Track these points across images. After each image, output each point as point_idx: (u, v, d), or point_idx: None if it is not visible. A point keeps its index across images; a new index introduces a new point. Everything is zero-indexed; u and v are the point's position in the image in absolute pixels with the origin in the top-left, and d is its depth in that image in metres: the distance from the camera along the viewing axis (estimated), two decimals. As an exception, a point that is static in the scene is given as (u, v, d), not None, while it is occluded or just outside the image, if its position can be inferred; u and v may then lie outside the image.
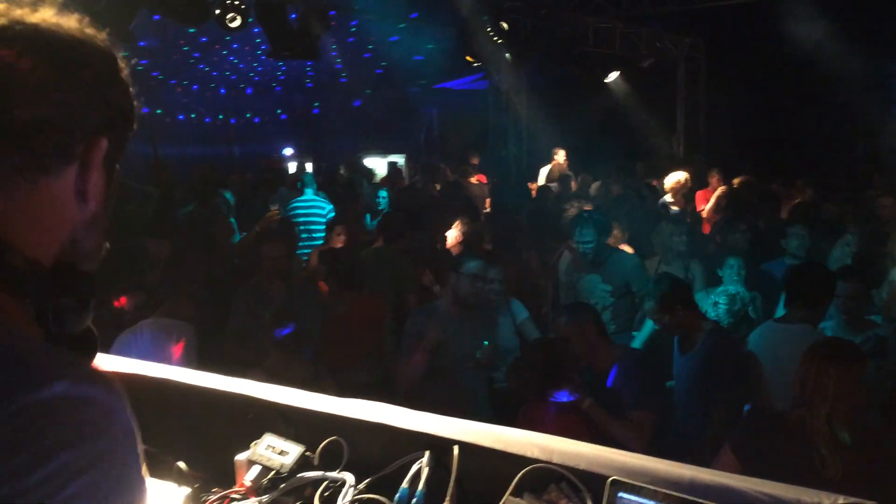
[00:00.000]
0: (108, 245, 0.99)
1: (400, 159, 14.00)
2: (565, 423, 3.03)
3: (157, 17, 8.38)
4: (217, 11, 6.33)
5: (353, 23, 11.53)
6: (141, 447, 0.86)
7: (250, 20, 6.70)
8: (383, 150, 14.57)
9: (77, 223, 0.91)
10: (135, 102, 0.97)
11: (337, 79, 15.23)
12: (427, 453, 1.69)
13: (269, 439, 1.86)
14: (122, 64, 0.96)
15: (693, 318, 3.76)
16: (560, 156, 10.88)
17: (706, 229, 7.36)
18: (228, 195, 7.74)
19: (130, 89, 0.96)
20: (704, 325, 3.78)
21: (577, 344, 3.44)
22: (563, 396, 3.18)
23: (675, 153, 12.11)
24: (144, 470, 0.86)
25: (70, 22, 0.90)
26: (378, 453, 1.76)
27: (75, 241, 0.92)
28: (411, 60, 13.66)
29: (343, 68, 14.31)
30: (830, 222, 6.36)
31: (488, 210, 8.83)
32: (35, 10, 0.88)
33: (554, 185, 10.06)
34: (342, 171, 12.62)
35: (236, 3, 6.32)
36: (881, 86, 12.92)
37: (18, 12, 0.87)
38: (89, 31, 0.92)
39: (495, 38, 8.59)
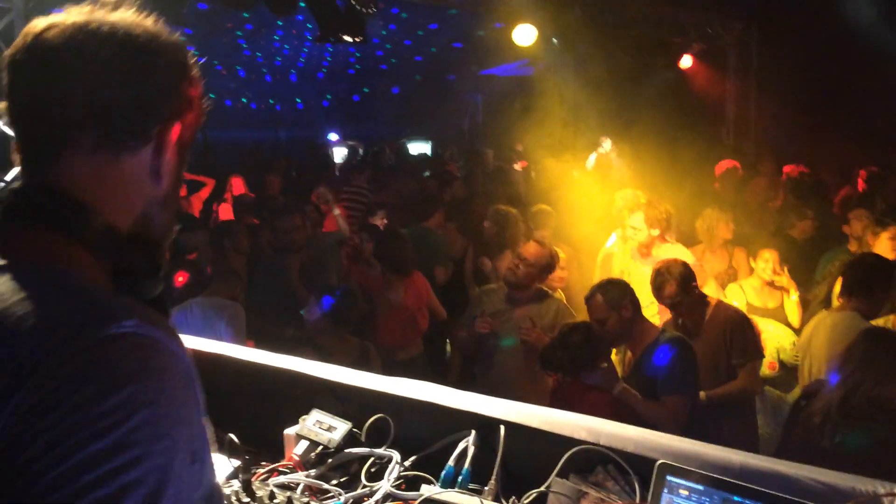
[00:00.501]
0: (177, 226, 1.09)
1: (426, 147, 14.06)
2: (597, 405, 3.02)
3: (202, 5, 8.51)
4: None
5: (394, 10, 11.54)
6: (200, 392, 0.92)
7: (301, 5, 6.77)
8: (426, 137, 14.58)
9: (151, 199, 1.01)
10: (203, 94, 1.07)
11: (385, 63, 15.26)
12: (473, 432, 1.70)
13: (317, 415, 1.89)
14: (191, 59, 1.05)
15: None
16: (607, 144, 10.75)
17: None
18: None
19: (199, 81, 1.06)
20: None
21: (613, 323, 3.37)
22: (596, 379, 3.17)
23: (725, 141, 11.85)
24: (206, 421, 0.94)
25: (146, 21, 1.00)
26: (424, 432, 1.78)
27: (148, 215, 1.01)
28: (458, 46, 13.64)
29: (387, 55, 14.34)
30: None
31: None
32: (115, 10, 0.99)
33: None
34: (387, 156, 12.71)
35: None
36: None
37: (100, 12, 0.98)
38: (163, 29, 1.02)
39: (542, 24, 8.49)
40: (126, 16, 0.99)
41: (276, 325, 4.57)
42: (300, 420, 1.89)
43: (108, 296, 0.91)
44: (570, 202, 6.88)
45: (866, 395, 2.68)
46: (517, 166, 10.70)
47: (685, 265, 3.91)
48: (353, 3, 6.89)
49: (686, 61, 11.35)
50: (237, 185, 8.33)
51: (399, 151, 13.43)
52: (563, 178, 9.04)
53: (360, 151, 13.30)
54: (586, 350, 3.21)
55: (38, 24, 0.96)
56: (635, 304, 3.45)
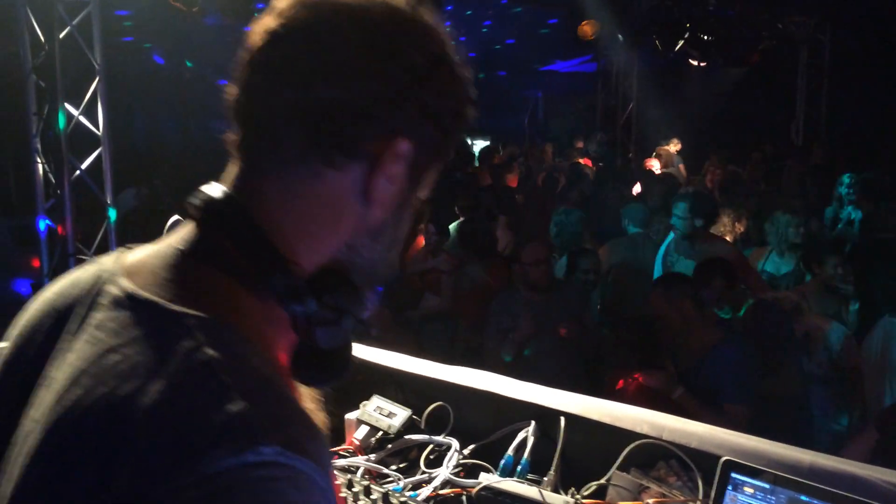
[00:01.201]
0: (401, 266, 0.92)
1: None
2: (652, 406, 2.98)
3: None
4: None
5: (448, 7, 11.52)
6: None
7: None
8: (486, 133, 14.55)
9: (358, 228, 0.81)
10: (464, 109, 0.85)
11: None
12: (533, 423, 1.70)
13: (377, 401, 1.92)
14: (453, 61, 0.84)
15: None
16: (673, 145, 10.57)
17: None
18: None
19: (458, 93, 0.84)
20: None
21: (673, 320, 3.28)
22: (656, 381, 3.10)
23: (795, 141, 11.50)
24: None
25: (395, 1, 0.79)
26: (483, 421, 1.79)
27: (353, 247, 0.81)
28: (520, 42, 13.56)
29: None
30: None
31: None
32: None
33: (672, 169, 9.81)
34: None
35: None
36: None
37: None
38: (418, 14, 0.81)
39: (607, 19, 8.41)
40: None
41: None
42: (361, 406, 1.92)
43: (255, 391, 0.68)
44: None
45: None
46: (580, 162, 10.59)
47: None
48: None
49: (755, 59, 11.04)
50: None
51: (461, 147, 13.44)
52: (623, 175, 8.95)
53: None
54: (645, 350, 3.17)
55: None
56: (698, 302, 3.36)
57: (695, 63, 10.24)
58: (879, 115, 11.26)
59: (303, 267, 0.77)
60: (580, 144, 11.80)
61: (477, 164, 10.43)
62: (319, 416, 0.85)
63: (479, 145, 14.02)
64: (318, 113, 0.75)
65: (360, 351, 2.07)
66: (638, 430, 1.56)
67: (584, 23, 7.99)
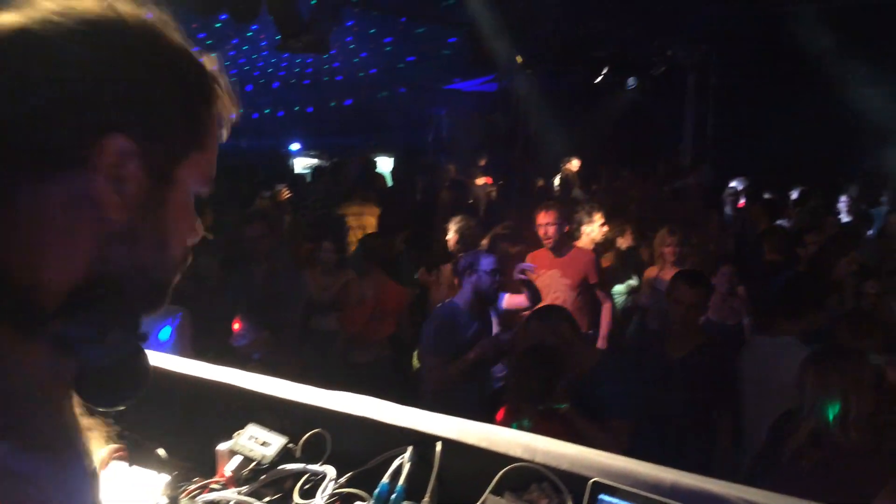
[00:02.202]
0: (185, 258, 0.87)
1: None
2: (545, 427, 3.04)
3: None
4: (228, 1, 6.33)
5: (349, 23, 11.52)
6: None
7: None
8: (390, 150, 14.55)
9: (102, 236, 0.76)
10: (189, 90, 0.81)
11: (341, 75, 15.23)
12: (410, 448, 1.67)
13: (252, 430, 1.84)
14: (163, 45, 0.80)
15: None
16: (573, 164, 10.87)
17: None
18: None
19: (174, 75, 0.80)
20: None
21: (555, 346, 3.34)
22: (550, 403, 3.16)
23: (683, 161, 12.08)
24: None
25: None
26: (362, 447, 1.75)
27: (106, 257, 0.77)
28: (422, 60, 13.66)
29: (347, 67, 14.31)
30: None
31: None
32: None
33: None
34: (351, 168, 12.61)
35: (247, -6, 6.31)
36: (890, 96, 12.88)
37: None
38: (113, 7, 0.78)
39: (506, 41, 8.57)
40: None
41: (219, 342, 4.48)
42: (234, 435, 1.84)
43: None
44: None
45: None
46: (480, 181, 10.72)
47: None
48: (317, 12, 6.87)
49: (646, 82, 11.52)
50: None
51: (366, 164, 13.39)
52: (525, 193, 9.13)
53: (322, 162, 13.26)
54: (542, 377, 3.21)
55: None
56: (573, 325, 3.46)
57: (591, 84, 10.63)
58: (763, 137, 11.99)
59: (51, 287, 0.73)
60: (483, 162, 11.98)
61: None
62: (93, 434, 0.82)
63: (383, 161, 14.04)
64: (9, 125, 0.70)
65: (236, 377, 2.00)
66: (512, 453, 1.56)
67: (484, 45, 8.15)
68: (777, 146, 11.97)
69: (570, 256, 5.12)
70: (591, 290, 5.10)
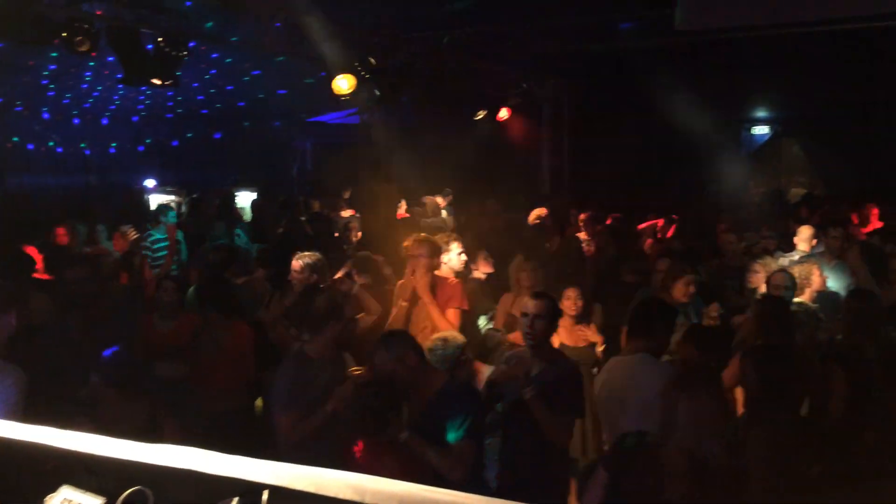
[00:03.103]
0: None
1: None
2: (387, 458, 3.04)
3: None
4: (64, 34, 5.98)
5: (214, 55, 11.26)
6: None
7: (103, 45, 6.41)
8: (253, 185, 14.22)
9: None
10: None
11: (206, 108, 14.80)
12: (235, 500, 1.60)
13: (65, 492, 1.71)
14: None
15: None
16: (441, 198, 11.03)
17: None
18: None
19: None
20: None
21: (399, 374, 3.35)
22: (389, 433, 3.16)
23: (541, 190, 12.54)
24: None
25: None
26: (186, 502, 1.65)
27: None
28: (285, 93, 13.49)
29: (211, 98, 13.94)
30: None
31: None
32: None
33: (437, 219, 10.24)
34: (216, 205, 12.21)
35: (85, 25, 5.98)
36: (728, 134, 14.07)
37: None
38: None
39: (364, 74, 8.60)
40: None
41: (63, 392, 4.14)
42: (46, 500, 1.69)
43: None
44: (395, 249, 6.96)
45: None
46: (344, 214, 10.67)
47: None
48: (163, 45, 6.64)
49: (503, 114, 11.88)
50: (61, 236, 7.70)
51: (225, 199, 12.98)
52: (388, 226, 9.15)
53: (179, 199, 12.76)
54: (378, 410, 3.18)
55: None
56: (418, 352, 3.48)
57: (451, 116, 10.89)
58: (616, 166, 12.69)
59: None
60: (347, 195, 11.94)
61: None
62: None
63: (246, 196, 13.67)
64: None
65: (48, 435, 1.84)
66: (342, 496, 1.52)
67: (338, 77, 8.10)
68: (630, 174, 12.72)
69: (437, 286, 5.14)
70: (464, 316, 5.10)
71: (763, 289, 5.58)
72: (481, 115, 11.45)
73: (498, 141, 12.51)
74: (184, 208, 11.84)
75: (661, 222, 9.16)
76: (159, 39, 6.65)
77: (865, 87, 12.15)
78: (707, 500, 2.73)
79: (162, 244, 7.54)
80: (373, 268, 5.88)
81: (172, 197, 12.86)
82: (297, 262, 5.17)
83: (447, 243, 5.67)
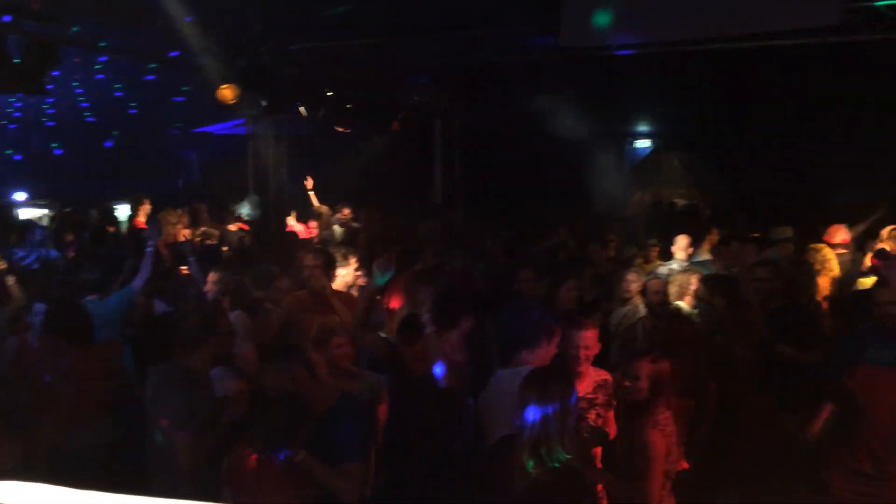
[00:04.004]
0: None
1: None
2: (284, 477, 2.95)
3: None
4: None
5: (102, 58, 10.78)
6: None
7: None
8: (134, 196, 13.58)
9: None
10: None
11: (82, 118, 14.08)
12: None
13: None
14: None
15: None
16: (341, 213, 10.89)
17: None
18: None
19: None
20: None
21: (291, 389, 3.26)
22: (285, 453, 3.06)
23: (434, 203, 12.61)
24: None
25: None
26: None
27: None
28: (169, 101, 13.03)
29: (90, 107, 13.29)
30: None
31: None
32: None
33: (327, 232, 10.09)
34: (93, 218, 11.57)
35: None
36: (612, 147, 14.64)
37: None
38: None
39: (250, 83, 8.40)
40: None
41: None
42: None
43: None
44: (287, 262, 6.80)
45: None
46: (233, 227, 10.36)
47: None
48: (30, 55, 6.26)
49: (395, 127, 11.82)
50: None
51: (106, 212, 12.33)
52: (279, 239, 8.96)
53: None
54: (279, 426, 3.09)
55: None
56: (310, 369, 3.41)
57: (339, 129, 10.76)
58: (507, 178, 12.94)
59: None
60: (236, 208, 11.59)
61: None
62: None
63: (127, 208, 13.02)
64: None
65: None
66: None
67: (223, 87, 7.87)
68: (519, 185, 13.00)
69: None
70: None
71: (638, 299, 5.78)
72: (375, 127, 11.41)
73: (391, 153, 12.51)
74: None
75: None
76: (24, 46, 6.27)
77: (738, 103, 12.96)
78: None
79: (30, 261, 7.06)
80: (270, 281, 5.74)
81: (45, 211, 12.12)
82: (211, 275, 5.16)
83: (344, 257, 5.63)
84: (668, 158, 15.64)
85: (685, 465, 3.56)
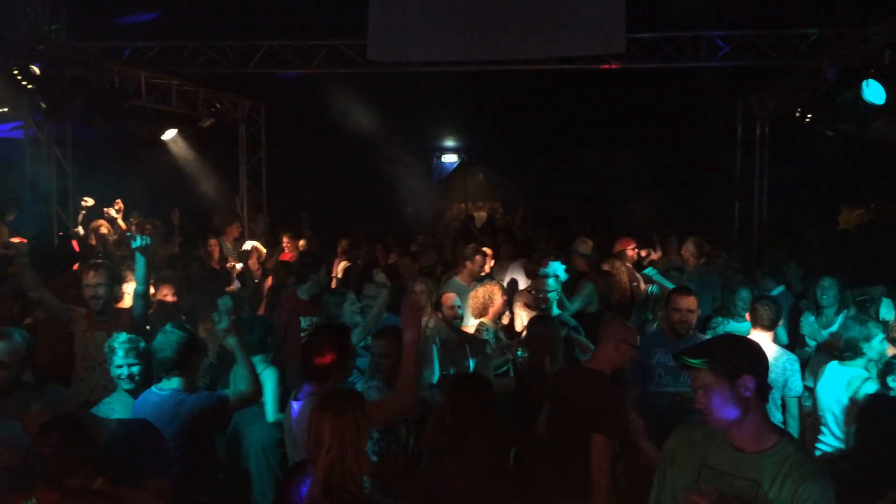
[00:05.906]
0: None
1: None
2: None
3: None
4: None
5: None
6: None
7: None
8: None
9: None
10: None
11: None
12: None
13: None
14: None
15: None
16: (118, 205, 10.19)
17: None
18: None
19: None
20: None
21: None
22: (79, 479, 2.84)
23: (239, 212, 12.20)
24: None
25: None
26: None
27: None
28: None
29: None
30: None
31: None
32: None
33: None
34: None
35: None
36: (421, 160, 15.04)
37: None
38: None
39: (26, 84, 7.62)
40: None
41: None
42: None
43: None
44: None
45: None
46: (15, 241, 9.38)
47: None
48: None
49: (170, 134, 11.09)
50: None
51: None
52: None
53: None
54: (68, 450, 2.85)
55: None
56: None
57: (144, 134, 10.11)
58: (309, 190, 12.83)
59: None
60: (11, 218, 10.52)
61: None
62: None
63: None
64: None
65: None
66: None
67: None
68: (328, 196, 12.95)
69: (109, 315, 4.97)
70: None
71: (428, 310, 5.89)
72: (171, 134, 10.78)
73: (193, 162, 11.96)
74: None
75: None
76: None
77: (534, 122, 13.80)
78: None
79: None
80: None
81: None
82: None
83: (126, 273, 5.40)
84: (473, 172, 16.32)
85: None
